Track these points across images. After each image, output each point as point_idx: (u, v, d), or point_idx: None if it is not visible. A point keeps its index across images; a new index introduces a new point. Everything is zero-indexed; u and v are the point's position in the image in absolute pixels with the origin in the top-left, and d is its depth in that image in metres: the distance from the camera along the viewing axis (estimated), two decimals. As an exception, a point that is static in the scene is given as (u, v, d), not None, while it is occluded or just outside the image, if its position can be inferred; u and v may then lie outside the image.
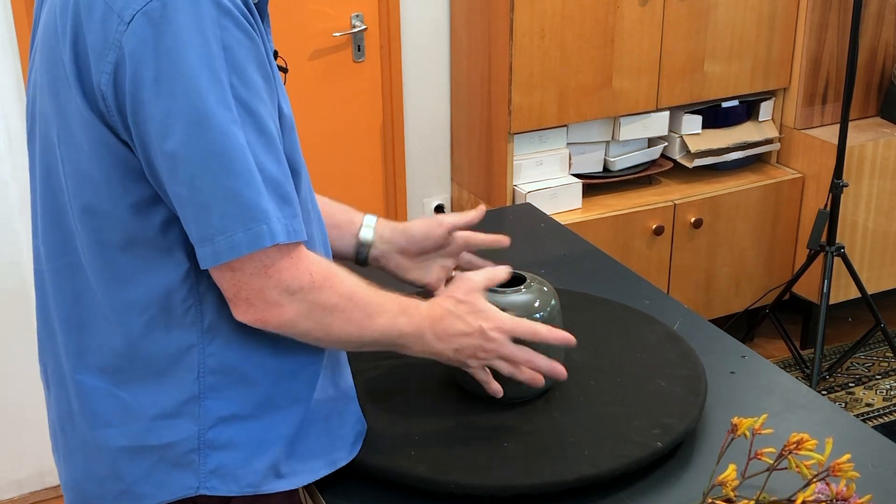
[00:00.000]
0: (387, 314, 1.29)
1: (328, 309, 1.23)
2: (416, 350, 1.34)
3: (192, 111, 1.10)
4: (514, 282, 1.50)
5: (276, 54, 1.31)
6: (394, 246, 1.56)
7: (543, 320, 1.46)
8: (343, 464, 1.35)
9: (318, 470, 1.33)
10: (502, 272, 1.46)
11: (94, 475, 1.30)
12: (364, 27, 3.13)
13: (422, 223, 1.58)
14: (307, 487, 1.40)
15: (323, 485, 1.37)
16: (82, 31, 1.13)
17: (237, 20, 1.13)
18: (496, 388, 1.41)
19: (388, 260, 1.57)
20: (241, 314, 1.20)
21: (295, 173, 1.24)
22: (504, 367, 1.38)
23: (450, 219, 1.59)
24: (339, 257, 1.54)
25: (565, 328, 1.52)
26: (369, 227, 1.56)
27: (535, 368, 1.39)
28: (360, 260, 1.57)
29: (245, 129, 1.13)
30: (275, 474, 1.29)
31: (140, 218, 1.19)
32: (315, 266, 1.22)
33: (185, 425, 1.25)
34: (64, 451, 1.35)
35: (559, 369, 1.41)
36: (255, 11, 1.20)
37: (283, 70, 1.32)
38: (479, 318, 1.36)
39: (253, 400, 1.27)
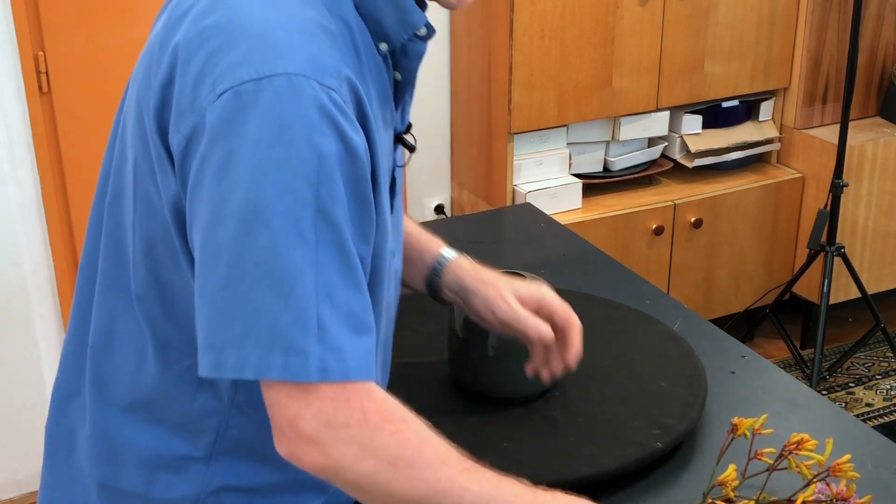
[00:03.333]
0: (476, 483, 1.06)
1: (392, 459, 1.02)
2: None
3: (250, 210, 0.97)
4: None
5: (409, 127, 1.22)
6: (476, 295, 1.40)
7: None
8: None
9: None
10: None
11: (73, 501, 1.23)
12: (364, 27, 3.13)
13: (529, 289, 1.40)
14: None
15: (323, 485, 1.37)
16: (176, 74, 1.03)
17: (341, 129, 1.00)
18: None
19: (469, 303, 1.40)
20: (276, 441, 1.04)
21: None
22: None
23: (554, 302, 1.40)
24: (411, 286, 1.43)
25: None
26: (448, 264, 1.41)
27: None
28: (432, 282, 1.42)
29: (321, 247, 0.99)
30: None
31: (184, 277, 1.09)
32: (373, 404, 1.02)
33: (188, 485, 1.17)
34: (50, 469, 1.28)
35: None
36: (385, 95, 1.11)
37: (412, 148, 1.21)
38: None
39: (267, 478, 1.18)
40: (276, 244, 0.98)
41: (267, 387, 1.02)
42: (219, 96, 0.99)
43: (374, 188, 1.07)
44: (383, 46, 1.11)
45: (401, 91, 1.17)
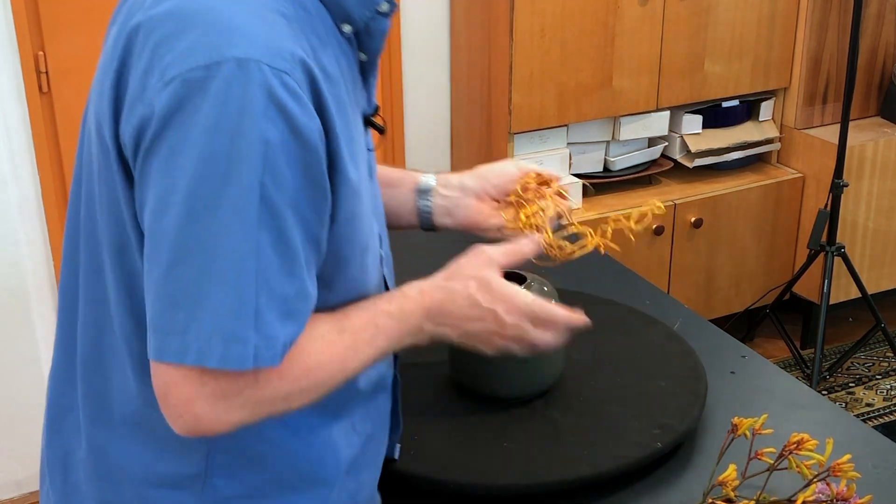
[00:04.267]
0: (358, 351, 1.12)
1: (280, 397, 1.07)
2: (415, 343, 1.18)
3: (194, 198, 0.98)
4: (515, 282, 1.50)
5: (377, 110, 1.21)
6: (465, 191, 1.40)
7: (543, 320, 1.46)
8: None
9: None
10: (529, 248, 1.28)
11: None
12: (364, 27, 3.13)
13: (502, 172, 1.40)
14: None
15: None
16: (127, 68, 1.03)
17: (289, 114, 0.99)
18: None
19: (460, 209, 1.39)
20: (172, 422, 1.05)
21: (362, 250, 1.15)
22: (520, 350, 1.23)
23: (528, 166, 1.42)
24: (400, 225, 1.40)
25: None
26: (429, 176, 1.41)
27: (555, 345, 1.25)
28: (423, 219, 1.40)
29: (262, 233, 1.00)
30: None
31: None
32: (270, 371, 1.05)
33: (186, 500, 1.15)
34: (45, 500, 1.27)
35: (580, 319, 1.25)
36: (352, 75, 1.10)
37: (381, 130, 1.22)
38: (493, 300, 1.18)
39: (265, 481, 1.16)
40: (220, 232, 0.99)
41: (161, 368, 1.02)
42: (167, 85, 0.98)
43: (336, 171, 1.06)
44: (346, 28, 1.11)
45: (366, 72, 1.17)
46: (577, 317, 1.24)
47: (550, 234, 1.32)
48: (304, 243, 1.04)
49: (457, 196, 1.40)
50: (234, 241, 0.99)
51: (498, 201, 1.40)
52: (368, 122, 1.21)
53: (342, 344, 1.11)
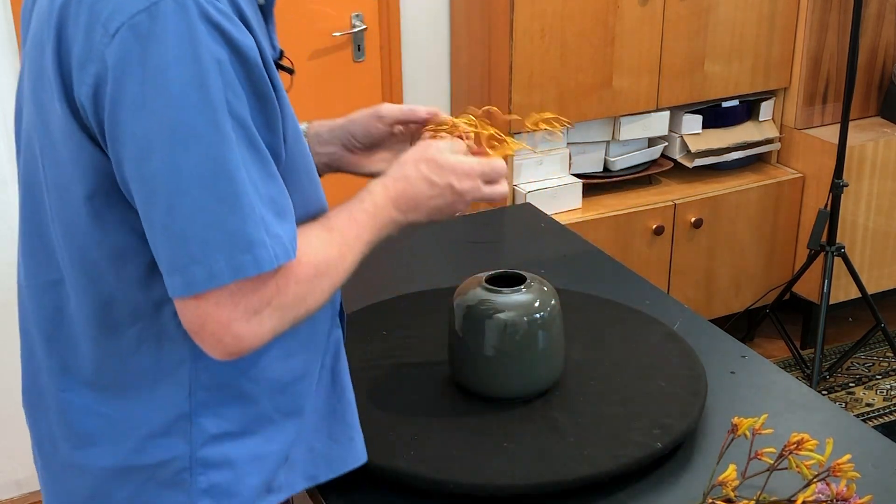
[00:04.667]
0: (350, 246, 1.20)
1: (300, 300, 1.14)
2: (393, 233, 1.27)
3: (176, 132, 1.03)
4: (514, 282, 1.50)
5: (282, 54, 1.27)
6: (337, 146, 1.49)
7: (543, 320, 1.46)
8: (336, 475, 1.33)
9: (305, 483, 1.31)
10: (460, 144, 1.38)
11: (77, 498, 1.25)
12: (364, 27, 3.13)
13: (362, 119, 1.49)
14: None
15: (323, 485, 1.37)
16: (66, 38, 1.07)
17: (229, 35, 1.06)
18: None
19: (335, 162, 1.49)
20: (211, 350, 1.11)
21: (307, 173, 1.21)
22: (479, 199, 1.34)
23: (391, 111, 1.49)
24: None
25: (565, 328, 1.52)
26: (303, 124, 1.46)
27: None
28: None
29: (240, 146, 1.06)
30: (267, 489, 1.25)
31: (124, 232, 1.13)
32: (284, 277, 1.12)
33: (176, 444, 1.19)
34: (44, 476, 1.31)
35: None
36: (256, 17, 1.14)
37: (290, 71, 1.27)
38: (445, 174, 1.29)
39: (248, 416, 1.22)
40: (209, 155, 1.04)
41: (192, 302, 1.08)
42: (113, 36, 1.03)
43: (275, 87, 1.13)
44: None
45: (266, 16, 1.21)
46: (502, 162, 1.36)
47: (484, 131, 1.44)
48: (270, 149, 1.11)
49: (332, 151, 1.49)
50: (222, 160, 1.05)
51: (367, 148, 1.50)
52: (277, 66, 1.25)
53: (335, 241, 1.19)
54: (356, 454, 1.35)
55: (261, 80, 1.09)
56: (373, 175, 1.46)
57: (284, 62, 1.27)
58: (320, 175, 1.40)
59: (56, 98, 1.09)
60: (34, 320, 1.25)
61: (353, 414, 1.35)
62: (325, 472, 1.33)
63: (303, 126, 1.46)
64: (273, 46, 1.24)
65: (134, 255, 1.14)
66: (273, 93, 1.12)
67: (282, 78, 1.23)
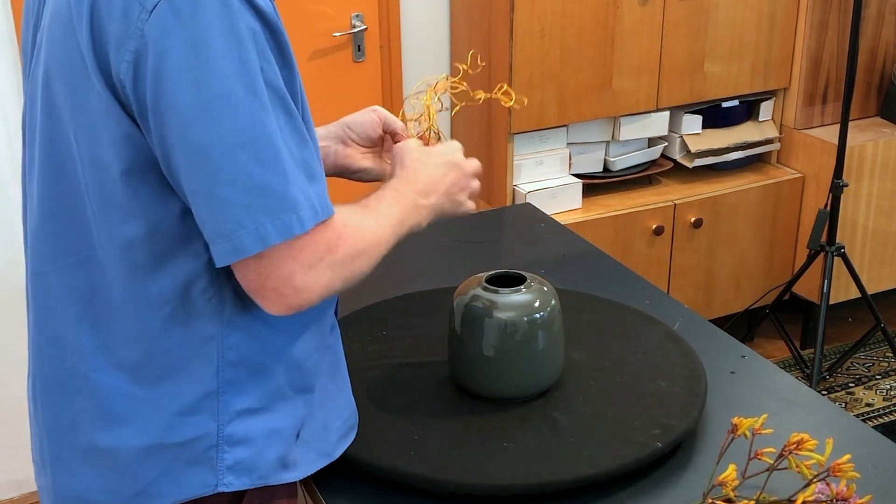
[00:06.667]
0: (385, 218, 1.27)
1: (349, 260, 1.20)
2: (421, 221, 1.34)
3: (219, 101, 1.08)
4: (514, 282, 1.50)
5: None
6: (331, 140, 1.55)
7: (543, 320, 1.46)
8: (339, 454, 1.36)
9: (317, 461, 1.33)
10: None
11: (101, 480, 1.26)
12: (364, 27, 3.13)
13: (359, 117, 1.56)
14: (307, 487, 1.40)
15: (323, 484, 1.37)
16: (100, 18, 1.11)
17: (258, 6, 1.11)
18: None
19: (330, 157, 1.54)
20: (272, 305, 1.16)
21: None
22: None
23: (383, 111, 1.57)
24: None
25: (565, 328, 1.52)
26: None
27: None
28: None
29: (276, 113, 1.11)
30: (282, 465, 1.29)
31: (159, 208, 1.16)
32: (329, 233, 1.18)
33: (204, 421, 1.23)
34: (58, 464, 1.31)
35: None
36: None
37: None
38: (438, 156, 1.39)
39: (267, 392, 1.26)
40: (250, 121, 1.09)
41: (251, 263, 1.13)
42: (150, 12, 1.08)
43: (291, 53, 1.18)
44: None
45: None
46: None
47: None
48: (298, 116, 1.17)
49: (325, 145, 1.53)
50: (262, 126, 1.10)
51: (362, 146, 1.56)
52: None
53: (371, 216, 1.26)
54: (352, 413, 1.40)
55: (286, 46, 1.15)
56: (362, 170, 1.54)
57: None
58: None
59: (93, 76, 1.12)
60: (67, 300, 1.27)
61: (348, 382, 1.40)
62: (338, 448, 1.36)
63: None
64: None
65: (166, 232, 1.17)
66: (295, 61, 1.17)
67: None
